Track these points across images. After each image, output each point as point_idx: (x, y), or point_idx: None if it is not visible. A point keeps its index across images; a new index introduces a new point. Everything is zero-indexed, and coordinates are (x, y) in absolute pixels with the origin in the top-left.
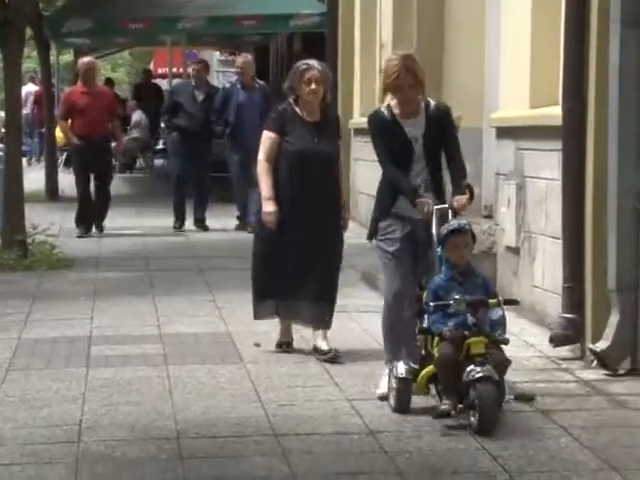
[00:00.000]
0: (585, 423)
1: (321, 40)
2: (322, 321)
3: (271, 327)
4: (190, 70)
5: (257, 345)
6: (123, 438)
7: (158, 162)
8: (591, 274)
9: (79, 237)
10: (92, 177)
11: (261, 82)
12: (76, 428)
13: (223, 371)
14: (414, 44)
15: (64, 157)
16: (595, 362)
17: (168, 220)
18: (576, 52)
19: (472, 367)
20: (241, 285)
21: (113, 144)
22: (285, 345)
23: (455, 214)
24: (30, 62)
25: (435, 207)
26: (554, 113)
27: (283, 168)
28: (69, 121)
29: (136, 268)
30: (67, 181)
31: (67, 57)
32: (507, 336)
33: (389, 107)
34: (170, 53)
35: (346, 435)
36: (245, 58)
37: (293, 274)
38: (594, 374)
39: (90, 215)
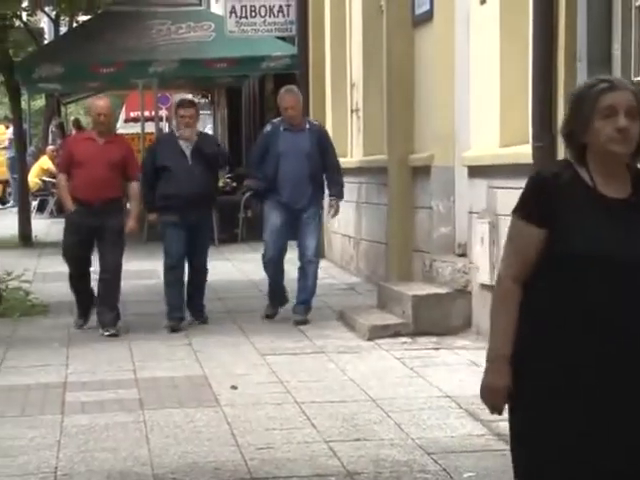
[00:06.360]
0: None
1: (293, 81)
2: None
3: (248, 370)
4: (173, 115)
5: (234, 388)
6: None
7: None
8: None
9: (79, 328)
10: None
11: (316, 122)
12: (52, 476)
13: (200, 415)
14: (384, 84)
15: (37, 202)
16: None
17: (150, 263)
18: (544, 91)
19: None
20: (217, 329)
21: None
22: None
23: None
24: (2, 108)
25: None
26: (524, 151)
27: (555, 292)
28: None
29: None
30: (40, 226)
31: (39, 102)
32: None
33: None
34: (142, 96)
35: (324, 477)
36: (290, 92)
37: None
38: None
39: (90, 301)
